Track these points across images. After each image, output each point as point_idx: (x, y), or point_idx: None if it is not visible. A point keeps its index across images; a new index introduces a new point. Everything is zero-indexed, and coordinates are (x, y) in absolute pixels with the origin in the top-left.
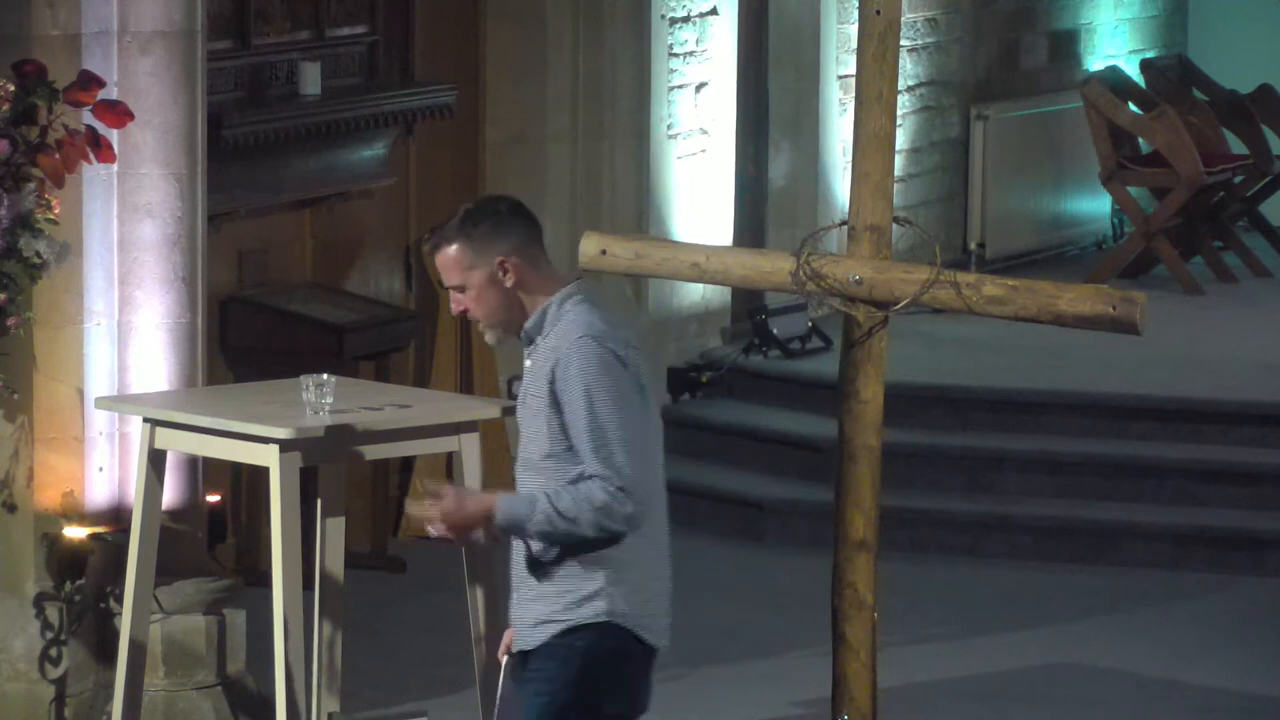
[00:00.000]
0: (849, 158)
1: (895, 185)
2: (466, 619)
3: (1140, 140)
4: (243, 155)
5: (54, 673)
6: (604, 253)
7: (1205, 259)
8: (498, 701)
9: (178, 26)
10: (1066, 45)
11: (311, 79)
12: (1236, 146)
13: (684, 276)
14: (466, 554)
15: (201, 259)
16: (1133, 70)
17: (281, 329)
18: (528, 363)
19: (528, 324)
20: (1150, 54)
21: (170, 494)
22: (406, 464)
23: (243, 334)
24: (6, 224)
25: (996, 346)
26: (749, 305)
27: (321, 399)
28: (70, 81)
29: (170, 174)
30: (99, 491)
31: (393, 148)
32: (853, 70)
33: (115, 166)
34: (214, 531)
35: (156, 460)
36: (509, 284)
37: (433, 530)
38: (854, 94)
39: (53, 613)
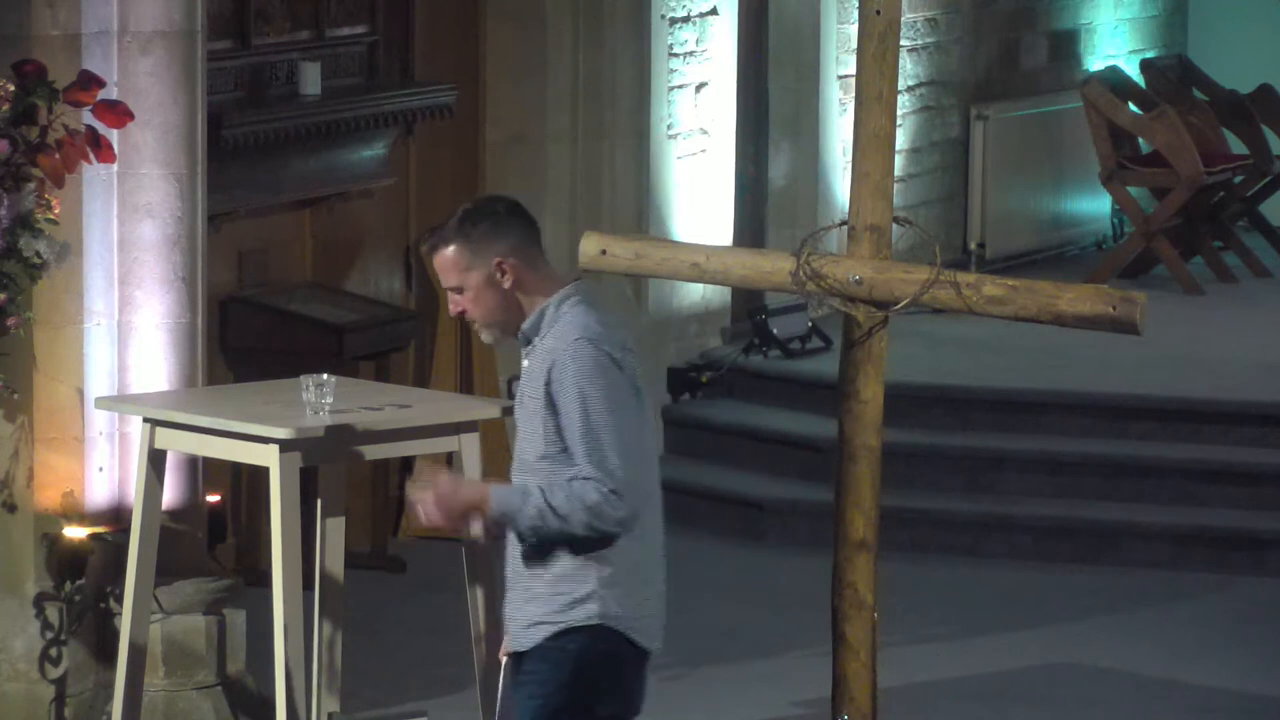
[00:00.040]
0: (849, 158)
1: (895, 185)
2: (466, 619)
3: (1140, 140)
4: (243, 155)
5: (54, 673)
6: (604, 253)
7: (1205, 259)
8: (499, 701)
9: (178, 26)
10: (1066, 45)
11: (311, 79)
12: (1236, 146)
13: (684, 276)
14: (466, 554)
15: (201, 259)
16: (1133, 70)
17: (281, 329)
18: (525, 363)
19: (525, 325)
20: (1150, 54)
21: (170, 494)
22: (406, 464)
23: (243, 334)
24: (6, 224)
25: (996, 346)
26: (749, 305)
27: (321, 399)
28: (70, 81)
29: (170, 174)
30: (99, 491)
31: (393, 148)
32: (853, 70)
33: (115, 166)
34: (214, 531)
35: (156, 460)
36: (507, 285)
37: (423, 515)
38: (854, 94)
39: (53, 613)
